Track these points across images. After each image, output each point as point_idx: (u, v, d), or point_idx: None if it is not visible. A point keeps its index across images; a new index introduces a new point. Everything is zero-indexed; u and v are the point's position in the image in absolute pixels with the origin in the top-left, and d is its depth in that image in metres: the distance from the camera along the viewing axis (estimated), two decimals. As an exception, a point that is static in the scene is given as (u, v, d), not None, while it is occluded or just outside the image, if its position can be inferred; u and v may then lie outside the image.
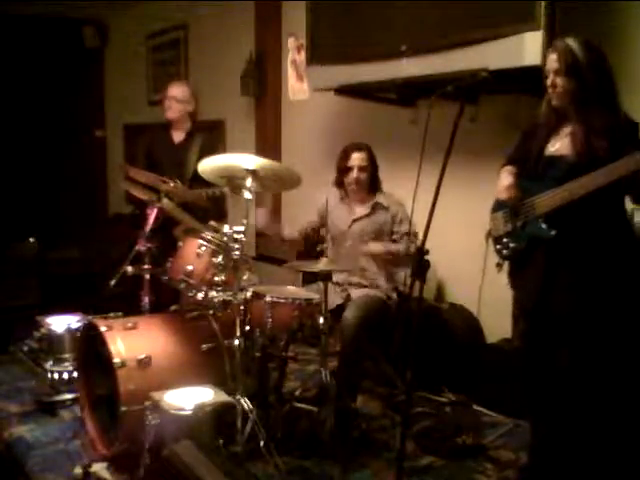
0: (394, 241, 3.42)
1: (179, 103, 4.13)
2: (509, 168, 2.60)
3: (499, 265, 2.57)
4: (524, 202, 2.45)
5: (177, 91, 4.15)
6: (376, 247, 3.37)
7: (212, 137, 4.42)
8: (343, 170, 3.44)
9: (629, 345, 2.43)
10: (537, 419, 2.61)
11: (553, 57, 2.36)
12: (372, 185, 3.46)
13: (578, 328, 2.37)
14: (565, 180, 2.31)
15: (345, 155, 3.44)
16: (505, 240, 2.53)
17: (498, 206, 2.60)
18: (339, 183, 3.50)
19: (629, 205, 2.44)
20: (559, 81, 2.34)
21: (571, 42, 2.33)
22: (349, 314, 3.13)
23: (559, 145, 2.42)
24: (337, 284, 3.42)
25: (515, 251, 2.50)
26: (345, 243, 3.48)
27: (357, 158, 3.40)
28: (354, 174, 3.39)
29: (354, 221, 3.46)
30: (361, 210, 3.46)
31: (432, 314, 3.68)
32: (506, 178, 2.56)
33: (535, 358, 2.52)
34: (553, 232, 2.36)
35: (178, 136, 4.18)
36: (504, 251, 2.54)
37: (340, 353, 3.17)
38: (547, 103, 2.45)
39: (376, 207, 3.43)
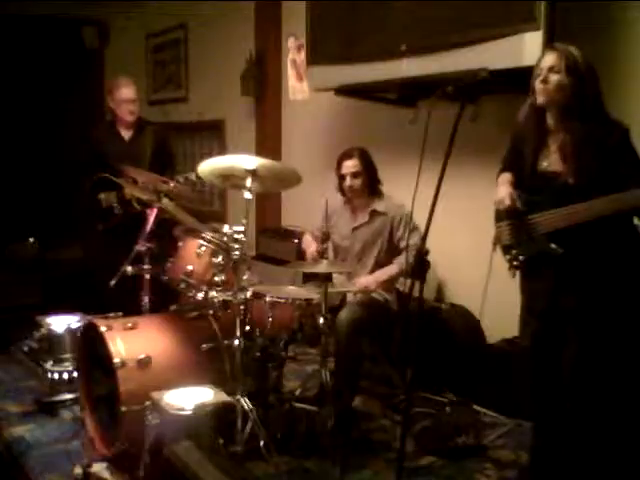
0: (394, 248, 3.39)
1: (137, 103, 4.15)
2: (506, 176, 2.58)
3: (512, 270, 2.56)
4: (528, 218, 2.43)
5: (132, 92, 4.11)
6: (367, 281, 3.29)
7: (162, 129, 4.42)
8: (339, 178, 3.45)
9: (635, 352, 2.43)
10: (541, 419, 2.61)
11: (551, 56, 2.34)
12: (371, 189, 3.44)
13: (587, 335, 2.37)
14: (562, 198, 2.31)
15: (338, 164, 3.45)
16: (514, 252, 2.50)
17: (499, 216, 2.59)
18: (340, 189, 3.50)
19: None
20: (553, 78, 2.32)
21: (569, 46, 2.34)
22: (343, 315, 3.13)
23: (550, 160, 2.41)
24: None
25: (525, 262, 2.48)
26: (346, 249, 3.48)
27: (347, 166, 3.39)
28: (347, 182, 3.39)
29: (354, 229, 3.46)
30: (361, 217, 3.45)
31: (432, 314, 3.68)
32: (503, 188, 2.53)
33: (542, 360, 2.52)
34: (561, 250, 2.34)
35: (127, 133, 4.20)
36: (514, 262, 2.52)
37: (335, 353, 3.17)
38: (532, 109, 2.43)
39: (374, 214, 3.41)
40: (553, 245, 2.36)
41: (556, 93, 2.33)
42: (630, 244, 2.39)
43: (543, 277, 2.44)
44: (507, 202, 2.46)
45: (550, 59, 2.34)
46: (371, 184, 3.43)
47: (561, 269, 2.39)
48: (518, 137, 2.53)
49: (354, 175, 3.38)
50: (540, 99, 2.37)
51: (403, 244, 3.33)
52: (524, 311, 2.60)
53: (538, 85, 2.36)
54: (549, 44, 2.64)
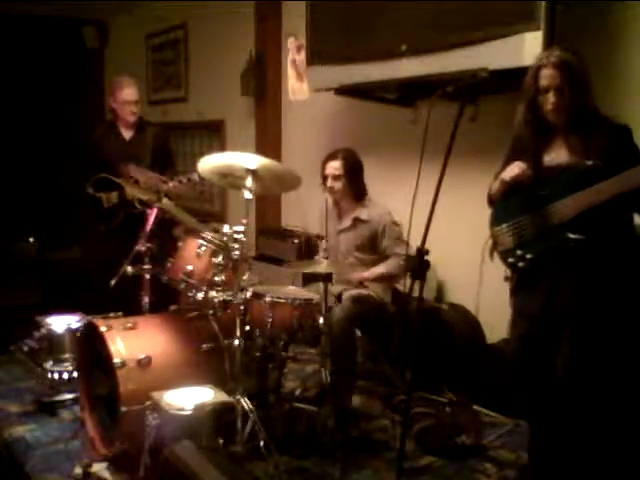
0: (380, 255, 3.37)
1: (139, 104, 4.17)
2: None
3: (508, 278, 2.52)
4: (540, 210, 2.38)
5: (134, 93, 4.14)
6: (357, 276, 3.33)
7: (162, 130, 4.43)
8: (322, 178, 3.46)
9: (631, 350, 2.43)
10: (536, 421, 2.61)
11: (551, 73, 2.30)
12: (354, 194, 3.41)
13: (582, 332, 2.37)
14: (580, 182, 2.26)
15: (322, 164, 3.45)
16: (519, 252, 2.43)
17: (496, 220, 2.56)
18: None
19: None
20: (561, 98, 2.30)
21: (564, 55, 2.31)
22: (338, 310, 3.15)
23: (555, 154, 2.40)
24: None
25: (532, 261, 2.41)
26: (332, 250, 3.47)
27: (330, 167, 3.39)
28: (328, 183, 3.39)
29: (340, 232, 3.46)
30: (345, 222, 3.45)
31: (432, 314, 3.68)
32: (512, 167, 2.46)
33: (536, 361, 2.51)
34: (580, 237, 2.27)
35: (128, 133, 4.21)
36: (520, 263, 2.43)
37: (330, 350, 3.17)
38: (531, 115, 2.41)
39: (356, 221, 3.40)
40: (571, 235, 2.29)
41: (566, 109, 2.32)
42: (629, 244, 2.39)
43: (540, 278, 2.42)
44: (517, 170, 2.41)
45: (553, 76, 2.30)
46: (353, 188, 3.40)
47: (558, 270, 2.36)
48: (518, 140, 2.50)
49: (335, 177, 3.37)
50: (552, 117, 2.35)
51: (390, 252, 3.32)
52: (515, 313, 2.59)
53: (547, 106, 2.33)
54: (547, 47, 2.63)
